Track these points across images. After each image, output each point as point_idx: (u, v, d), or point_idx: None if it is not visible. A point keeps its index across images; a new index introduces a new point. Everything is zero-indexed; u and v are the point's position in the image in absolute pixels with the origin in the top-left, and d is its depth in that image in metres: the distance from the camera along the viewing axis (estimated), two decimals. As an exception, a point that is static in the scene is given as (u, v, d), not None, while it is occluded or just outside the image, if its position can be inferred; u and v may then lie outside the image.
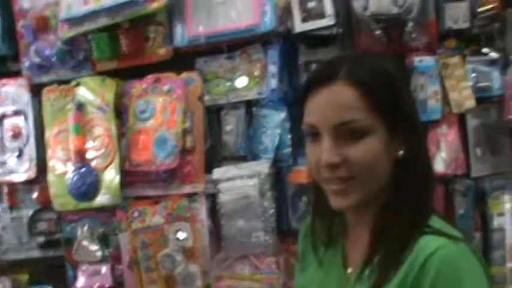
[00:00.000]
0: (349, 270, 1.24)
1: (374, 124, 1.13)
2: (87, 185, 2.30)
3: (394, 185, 1.17)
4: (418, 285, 1.09)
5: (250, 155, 2.28)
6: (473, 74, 2.18)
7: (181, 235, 2.26)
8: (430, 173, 1.23)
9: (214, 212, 2.31)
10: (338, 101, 1.12)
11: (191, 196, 2.30)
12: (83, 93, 2.36)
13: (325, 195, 1.21)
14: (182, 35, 2.29)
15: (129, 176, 2.33)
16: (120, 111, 2.36)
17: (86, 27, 2.31)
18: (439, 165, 2.17)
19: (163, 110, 2.28)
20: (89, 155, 2.33)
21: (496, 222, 2.17)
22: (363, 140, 1.12)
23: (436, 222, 1.17)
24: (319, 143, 1.15)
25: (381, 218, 1.17)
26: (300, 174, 2.19)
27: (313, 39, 2.26)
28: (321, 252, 1.31)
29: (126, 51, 2.32)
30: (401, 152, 1.16)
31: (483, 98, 2.21)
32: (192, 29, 2.26)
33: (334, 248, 1.29)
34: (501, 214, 2.17)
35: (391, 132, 1.14)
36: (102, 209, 2.38)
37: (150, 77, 2.33)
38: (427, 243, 1.10)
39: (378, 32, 2.18)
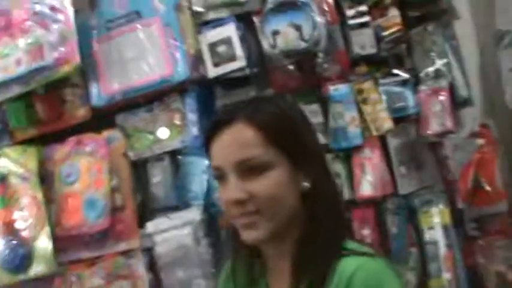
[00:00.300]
0: None
1: (275, 159, 1.18)
2: (20, 257, 2.25)
3: (305, 215, 1.22)
4: None
5: (181, 204, 2.27)
6: (387, 96, 2.24)
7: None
8: (338, 200, 1.29)
9: (153, 265, 2.29)
10: (238, 140, 1.19)
11: (127, 253, 2.27)
12: (5, 164, 2.32)
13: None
14: (98, 94, 2.28)
15: (62, 241, 2.29)
16: (44, 178, 2.32)
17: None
18: (367, 188, 2.22)
19: (88, 171, 2.26)
20: (18, 225, 2.28)
21: (427, 235, 2.22)
22: (265, 174, 1.18)
23: (351, 244, 1.22)
24: (226, 182, 1.20)
25: (299, 249, 1.21)
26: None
27: (229, 82, 2.29)
28: None
29: (44, 117, 2.30)
30: (306, 184, 1.21)
31: (400, 117, 2.27)
32: (107, 87, 2.26)
33: (258, 287, 1.32)
34: (431, 227, 2.21)
35: (293, 165, 1.20)
36: (39, 279, 2.33)
37: (71, 140, 2.31)
38: (348, 264, 1.15)
39: (290, 68, 2.22)
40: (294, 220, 1.22)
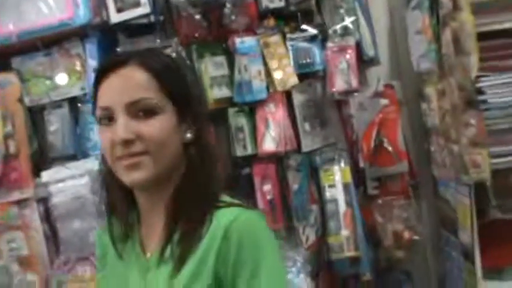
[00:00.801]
0: (148, 255, 1.26)
1: (163, 105, 1.20)
2: None
3: (183, 167, 1.23)
4: (223, 254, 1.16)
5: (79, 153, 2.20)
6: (294, 51, 2.21)
7: (14, 245, 2.15)
8: (215, 156, 1.29)
9: (48, 215, 2.21)
10: (129, 82, 1.19)
11: (21, 202, 2.19)
12: None
13: (118, 188, 1.25)
14: (-8, 34, 2.17)
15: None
16: None
17: None
18: (269, 143, 2.20)
19: (-20, 115, 2.15)
20: None
21: (328, 193, 2.23)
22: (154, 118, 1.19)
23: (227, 198, 1.24)
24: (113, 124, 1.19)
25: (174, 200, 1.22)
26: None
27: (133, 29, 2.21)
28: (120, 247, 1.31)
29: None
30: (188, 135, 1.23)
31: (306, 73, 2.26)
32: (1, 28, 2.14)
33: (132, 240, 1.30)
34: (332, 185, 2.22)
35: (179, 115, 1.22)
36: None
37: (-39, 82, 2.19)
38: (224, 215, 1.17)
39: (197, 17, 2.16)
40: (173, 170, 1.23)
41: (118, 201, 1.29)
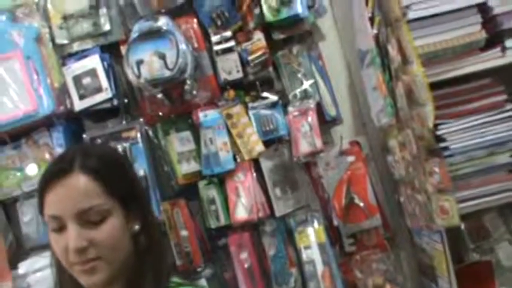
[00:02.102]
0: None
1: (111, 206, 1.24)
2: None
3: (133, 256, 1.28)
4: None
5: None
6: (257, 119, 2.26)
7: None
8: (162, 239, 1.40)
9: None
10: (76, 191, 1.22)
11: (0, 297, 2.19)
12: None
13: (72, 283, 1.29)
14: (-40, 131, 2.20)
15: None
16: None
17: None
18: (242, 212, 2.23)
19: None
20: None
21: (305, 255, 2.25)
22: (104, 222, 1.23)
23: (176, 280, 1.30)
24: (64, 231, 1.22)
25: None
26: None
27: (99, 114, 2.26)
28: None
29: None
30: (137, 227, 1.28)
31: (271, 140, 2.30)
32: (-32, 124, 2.18)
33: None
34: (308, 247, 2.24)
35: (126, 210, 1.26)
36: None
37: None
38: None
39: (159, 96, 2.21)
40: (124, 263, 1.27)
41: None
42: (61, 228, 1.23)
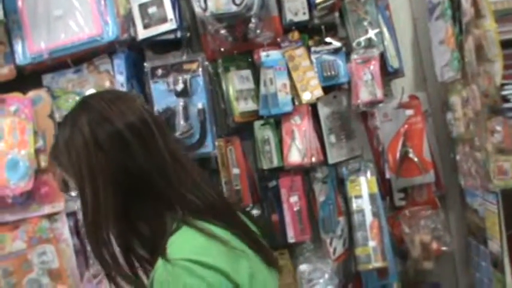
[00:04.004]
0: None
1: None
2: None
3: None
4: None
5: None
6: (319, 64, 2.24)
7: (45, 258, 2.19)
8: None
9: (78, 229, 2.25)
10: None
11: (52, 216, 2.22)
12: None
13: None
14: (24, 52, 2.22)
15: (-17, 204, 2.23)
16: (-34, 138, 2.26)
17: None
18: (295, 156, 2.22)
19: (12, 131, 2.20)
20: None
21: (355, 204, 2.24)
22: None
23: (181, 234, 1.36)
24: None
25: None
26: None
27: (161, 45, 2.25)
28: None
29: (-34, 74, 2.23)
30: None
31: (331, 86, 2.27)
32: (33, 46, 2.19)
33: None
34: (359, 196, 2.23)
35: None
36: (-41, 242, 2.27)
37: (-6, 99, 2.25)
38: (156, 265, 1.33)
39: (223, 32, 2.19)
40: None
41: None
42: None
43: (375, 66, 2.21)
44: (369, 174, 2.24)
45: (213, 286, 1.28)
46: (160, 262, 1.30)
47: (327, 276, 2.23)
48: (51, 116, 2.25)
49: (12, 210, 2.22)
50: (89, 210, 1.37)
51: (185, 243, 1.34)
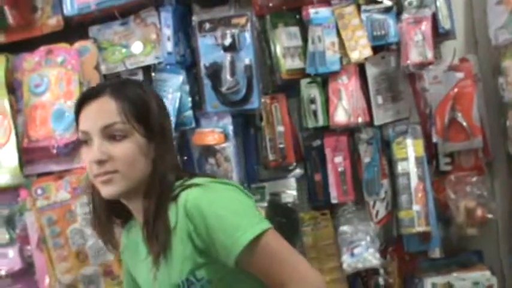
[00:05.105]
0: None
1: (131, 130, 1.40)
2: (-17, 167, 2.22)
3: (148, 177, 1.43)
4: (196, 230, 1.33)
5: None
6: (369, 23, 2.19)
7: (89, 208, 2.20)
8: (173, 164, 1.49)
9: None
10: (103, 109, 1.40)
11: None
12: (-30, 71, 2.26)
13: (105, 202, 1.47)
14: (71, 3, 2.22)
15: (30, 153, 2.25)
16: (13, 87, 2.27)
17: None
18: (342, 115, 2.19)
19: (58, 82, 2.21)
20: (-17, 134, 2.23)
21: (400, 167, 2.20)
22: (123, 141, 1.39)
23: (197, 179, 1.42)
24: (91, 146, 1.40)
25: (143, 200, 1.42)
26: (203, 136, 2.18)
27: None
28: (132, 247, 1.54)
29: (14, 24, 2.23)
30: (154, 154, 1.43)
31: (380, 46, 2.23)
32: (80, -3, 2.19)
33: (140, 241, 1.48)
34: (405, 159, 2.19)
35: (146, 139, 1.41)
36: (4, 190, 2.30)
37: (42, 49, 2.26)
38: (181, 200, 1.36)
39: (272, -13, 2.15)
40: (142, 181, 1.41)
41: (101, 209, 1.51)
42: (88, 144, 1.40)
43: (426, 26, 2.15)
44: (415, 137, 2.21)
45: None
46: (187, 192, 1.36)
47: (368, 238, 2.22)
48: (96, 67, 2.25)
49: (57, 160, 2.26)
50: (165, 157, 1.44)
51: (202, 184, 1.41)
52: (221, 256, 1.33)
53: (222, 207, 1.34)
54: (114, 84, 1.47)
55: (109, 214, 1.52)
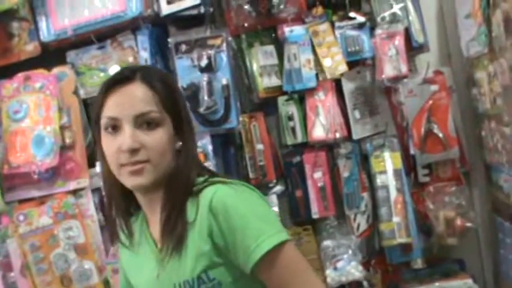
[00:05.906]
0: (159, 246, 1.39)
1: (164, 118, 1.35)
2: (-35, 195, 2.21)
3: (170, 169, 1.38)
4: (215, 227, 1.30)
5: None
6: (343, 39, 2.22)
7: (71, 233, 2.21)
8: (196, 159, 1.47)
9: (103, 204, 2.26)
10: (137, 96, 1.33)
11: (77, 192, 2.24)
12: (-50, 99, 2.27)
13: (118, 191, 1.41)
14: (48, 29, 2.23)
15: (10, 180, 2.25)
16: (-9, 115, 2.28)
17: None
18: (319, 131, 2.22)
19: (37, 108, 2.22)
20: (-36, 162, 2.24)
21: (379, 180, 2.23)
22: (156, 129, 1.34)
23: (214, 179, 1.38)
24: (119, 133, 1.33)
25: (164, 197, 1.38)
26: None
27: (184, 20, 2.25)
28: (131, 242, 1.46)
29: (-9, 51, 2.24)
30: (179, 143, 1.39)
31: (355, 61, 2.26)
32: (57, 22, 2.21)
33: (144, 235, 1.45)
34: (383, 172, 2.22)
35: (173, 127, 1.37)
36: (-14, 217, 2.30)
37: (20, 76, 2.27)
38: (205, 195, 1.32)
39: (246, 7, 2.18)
40: (167, 171, 1.37)
41: (119, 202, 1.43)
42: (115, 130, 1.33)
43: (399, 41, 2.19)
44: (393, 149, 2.24)
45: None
46: (213, 189, 1.33)
47: (350, 252, 2.24)
48: (75, 92, 2.26)
49: (38, 186, 2.26)
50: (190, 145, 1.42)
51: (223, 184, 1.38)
52: (239, 258, 1.29)
53: (248, 209, 1.31)
54: (143, 70, 1.41)
55: (127, 205, 1.45)
